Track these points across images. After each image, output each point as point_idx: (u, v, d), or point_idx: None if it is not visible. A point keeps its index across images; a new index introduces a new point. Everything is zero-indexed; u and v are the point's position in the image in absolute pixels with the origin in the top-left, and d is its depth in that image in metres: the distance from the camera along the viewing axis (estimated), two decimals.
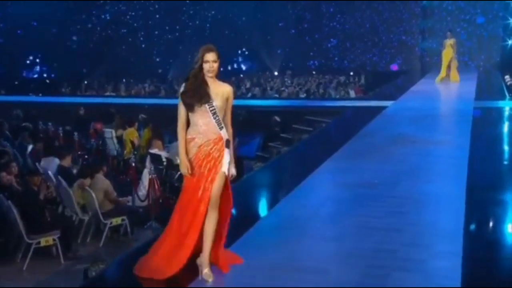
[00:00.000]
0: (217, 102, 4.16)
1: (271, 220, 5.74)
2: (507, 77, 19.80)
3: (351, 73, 23.79)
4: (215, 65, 4.14)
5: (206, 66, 4.13)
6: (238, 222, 4.76)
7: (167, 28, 27.90)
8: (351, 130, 10.45)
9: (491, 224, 5.82)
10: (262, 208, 6.38)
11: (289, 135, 12.94)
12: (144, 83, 22.64)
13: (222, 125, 4.19)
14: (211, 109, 4.14)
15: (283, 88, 18.98)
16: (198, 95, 4.12)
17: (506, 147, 9.65)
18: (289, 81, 21.46)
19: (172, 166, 9.60)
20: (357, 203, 6.01)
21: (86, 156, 11.57)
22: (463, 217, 5.54)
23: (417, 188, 6.66)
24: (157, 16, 27.85)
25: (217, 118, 4.15)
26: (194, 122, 4.16)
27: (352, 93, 18.31)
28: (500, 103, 14.23)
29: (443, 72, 17.34)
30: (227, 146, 4.19)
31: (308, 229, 5.40)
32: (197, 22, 27.64)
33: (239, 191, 7.65)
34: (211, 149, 4.15)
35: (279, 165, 8.91)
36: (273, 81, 22.28)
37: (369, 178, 7.04)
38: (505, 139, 10.43)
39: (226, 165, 4.16)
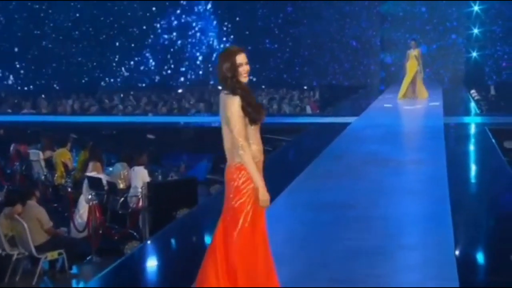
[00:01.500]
0: None
1: None
2: (473, 91, 20.65)
3: (305, 87, 24.19)
4: (248, 67, 4.06)
5: (240, 70, 4.02)
6: (200, 253, 4.56)
7: (91, 29, 26.99)
8: (315, 148, 10.63)
9: (480, 245, 6.06)
10: None
11: None
12: (68, 98, 22.19)
13: None
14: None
15: None
16: (262, 107, 4.07)
17: (482, 165, 10.08)
18: None
19: (115, 191, 9.46)
20: (338, 225, 6.13)
21: (8, 183, 11.22)
22: (453, 239, 5.75)
23: (399, 209, 6.87)
24: (78, 15, 26.57)
25: None
26: (255, 140, 4.08)
27: (309, 109, 18.65)
28: (467, 119, 14.92)
29: (404, 87, 17.37)
30: None
31: (287, 255, 5.43)
32: (123, 22, 26.84)
33: (198, 217, 7.67)
34: (261, 170, 4.09)
35: None
36: (218, 95, 22.34)
37: (345, 198, 7.19)
38: (482, 155, 10.89)
39: None
